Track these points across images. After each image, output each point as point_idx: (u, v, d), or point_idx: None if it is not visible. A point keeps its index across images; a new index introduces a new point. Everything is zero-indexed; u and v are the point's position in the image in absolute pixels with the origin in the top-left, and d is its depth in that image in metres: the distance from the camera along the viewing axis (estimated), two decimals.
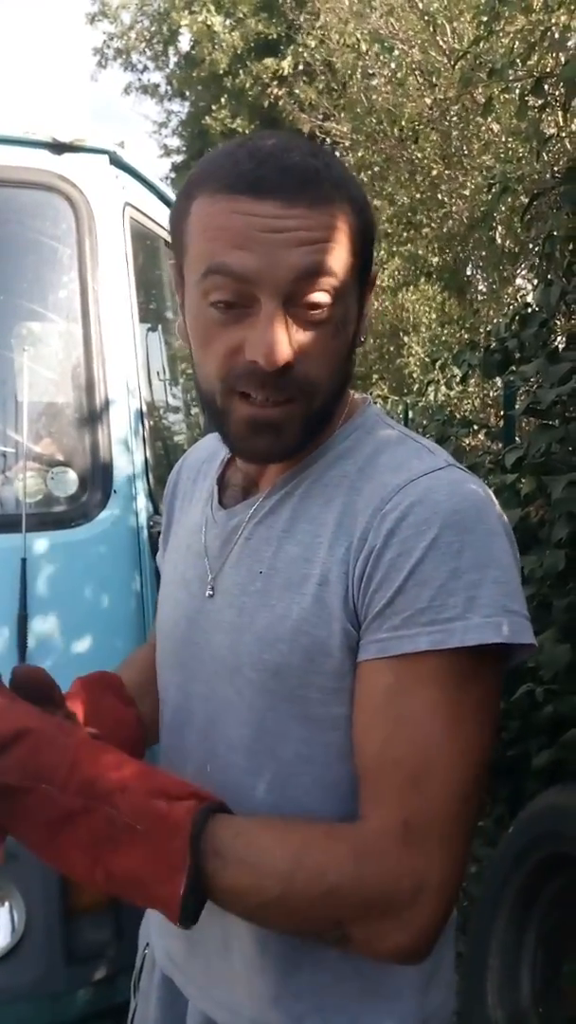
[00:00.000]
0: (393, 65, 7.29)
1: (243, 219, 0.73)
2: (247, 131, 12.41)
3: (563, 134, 4.28)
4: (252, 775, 0.82)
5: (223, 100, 12.45)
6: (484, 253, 6.92)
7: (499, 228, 6.30)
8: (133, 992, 1.03)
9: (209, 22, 11.92)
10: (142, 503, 1.85)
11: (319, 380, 0.78)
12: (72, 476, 1.79)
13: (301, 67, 10.34)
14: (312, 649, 0.78)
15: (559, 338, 3.33)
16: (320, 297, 0.75)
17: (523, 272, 6.59)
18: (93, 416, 1.83)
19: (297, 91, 9.60)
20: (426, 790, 0.72)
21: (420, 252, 7.67)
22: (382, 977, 0.82)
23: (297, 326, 0.76)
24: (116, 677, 0.98)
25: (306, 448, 0.83)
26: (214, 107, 12.40)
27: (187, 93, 14.74)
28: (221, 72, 12.38)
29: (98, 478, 1.80)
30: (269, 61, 11.21)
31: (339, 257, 0.76)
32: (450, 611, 0.72)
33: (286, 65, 10.45)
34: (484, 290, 7.49)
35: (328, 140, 9.31)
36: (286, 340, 0.74)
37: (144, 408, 1.96)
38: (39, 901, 1.61)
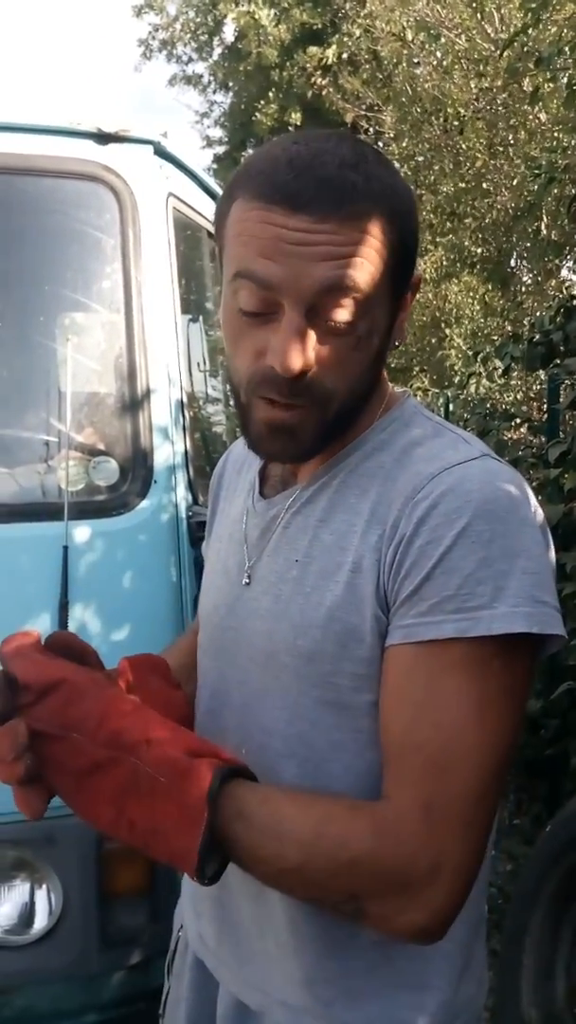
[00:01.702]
0: (440, 54, 7.21)
1: (274, 230, 0.75)
2: (298, 125, 12.40)
3: None
4: (286, 759, 0.83)
5: (271, 94, 12.40)
6: (528, 244, 6.83)
7: (545, 219, 6.21)
8: (167, 974, 1.05)
9: (256, 15, 11.87)
10: (182, 493, 1.86)
11: (335, 389, 0.79)
12: (113, 465, 1.81)
13: (346, 56, 10.26)
14: (344, 635, 0.79)
15: None
16: (343, 313, 0.76)
17: (569, 264, 6.49)
18: (135, 406, 1.84)
19: (341, 81, 9.53)
20: (449, 774, 0.73)
21: (464, 243, 7.58)
22: (413, 967, 0.83)
23: (319, 336, 0.77)
24: (162, 660, 0.99)
25: (324, 450, 0.84)
26: (262, 101, 12.36)
27: (231, 84, 14.72)
28: (268, 65, 12.34)
29: (139, 468, 1.81)
30: (313, 50, 11.14)
31: (367, 272, 0.76)
32: (478, 599, 0.73)
33: (331, 54, 10.39)
34: (528, 282, 7.40)
35: (372, 131, 9.25)
36: (302, 348, 0.76)
37: (185, 399, 1.96)
38: (76, 885, 1.63)
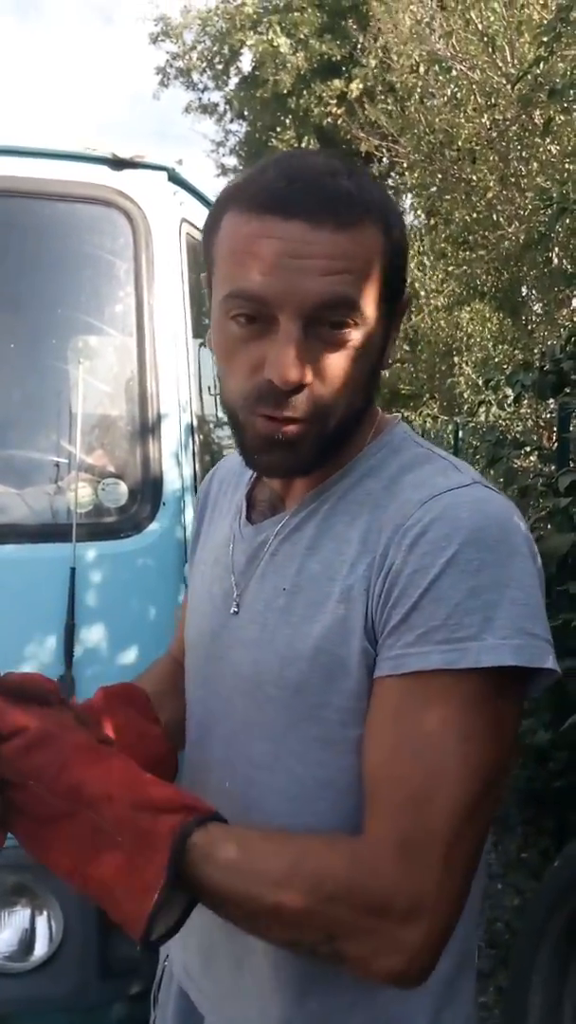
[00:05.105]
0: (453, 87, 7.30)
1: (268, 243, 0.73)
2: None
3: None
4: (272, 793, 0.82)
5: (287, 121, 12.56)
6: (538, 274, 6.87)
7: (556, 249, 6.25)
8: (152, 1004, 1.03)
9: (276, 43, 12.05)
10: (190, 516, 1.86)
11: (335, 402, 0.78)
12: (123, 488, 1.81)
13: (363, 87, 10.40)
14: (331, 667, 0.77)
15: None
16: (341, 326, 0.75)
17: None
18: (145, 429, 1.84)
19: (366, 111, 9.63)
20: (427, 809, 0.70)
21: (477, 271, 7.63)
22: (395, 1004, 0.81)
23: (317, 348, 0.76)
24: (141, 690, 0.97)
25: (323, 465, 0.82)
26: (278, 128, 12.53)
27: (246, 113, 14.92)
28: (284, 93, 12.50)
29: (148, 490, 1.81)
30: (337, 83, 11.29)
31: (364, 286, 0.76)
32: (465, 630, 0.71)
33: (354, 87, 10.52)
34: (539, 311, 7.43)
35: (387, 160, 9.34)
36: (301, 360, 0.75)
37: (195, 422, 1.96)
38: (76, 913, 1.61)
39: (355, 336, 0.76)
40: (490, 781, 0.72)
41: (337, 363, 0.76)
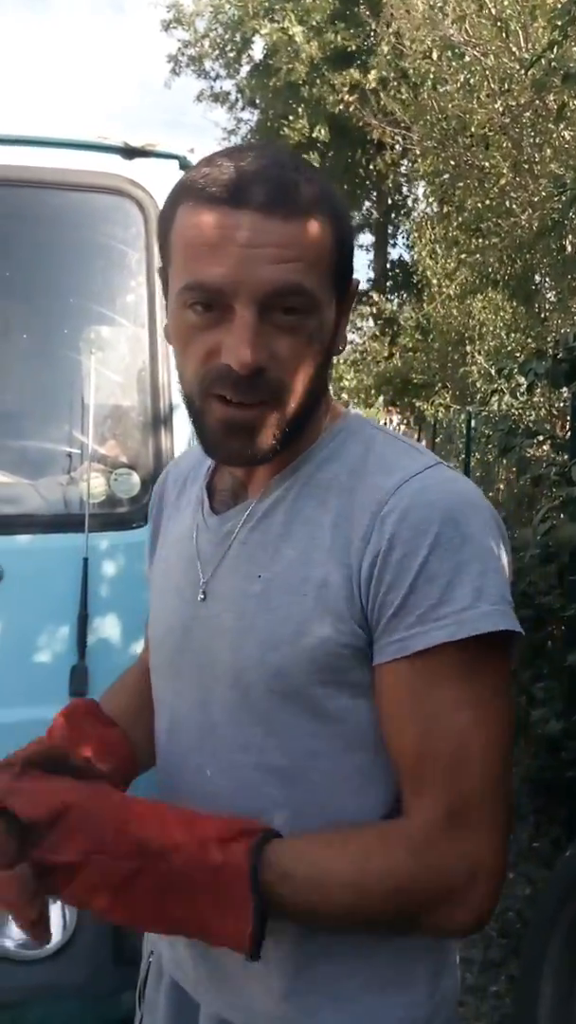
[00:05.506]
0: (466, 72, 7.23)
1: (221, 233, 0.76)
2: (325, 142, 12.49)
3: None
4: (263, 772, 0.83)
5: (299, 110, 12.52)
6: (551, 262, 6.81)
7: (569, 236, 6.20)
8: (138, 1003, 1.03)
9: (291, 31, 11.99)
10: None
11: (292, 385, 0.80)
12: (135, 478, 1.81)
13: (378, 75, 10.32)
14: (315, 649, 0.80)
15: None
16: (294, 311, 0.78)
17: None
18: (157, 420, 1.84)
19: (381, 100, 9.55)
20: (464, 778, 0.76)
21: (490, 259, 7.58)
22: (394, 966, 0.85)
23: (272, 333, 0.78)
24: (91, 701, 1.00)
25: (282, 452, 0.84)
26: (290, 117, 12.48)
27: (258, 101, 14.86)
28: (297, 81, 12.46)
29: None
30: (355, 73, 11.23)
31: (315, 273, 0.78)
32: (459, 603, 0.76)
33: (372, 78, 10.45)
34: (552, 299, 7.37)
35: (400, 147, 9.27)
36: (259, 344, 0.77)
37: None
38: None
39: (308, 322, 0.79)
40: (506, 737, 0.79)
41: (292, 347, 0.79)
